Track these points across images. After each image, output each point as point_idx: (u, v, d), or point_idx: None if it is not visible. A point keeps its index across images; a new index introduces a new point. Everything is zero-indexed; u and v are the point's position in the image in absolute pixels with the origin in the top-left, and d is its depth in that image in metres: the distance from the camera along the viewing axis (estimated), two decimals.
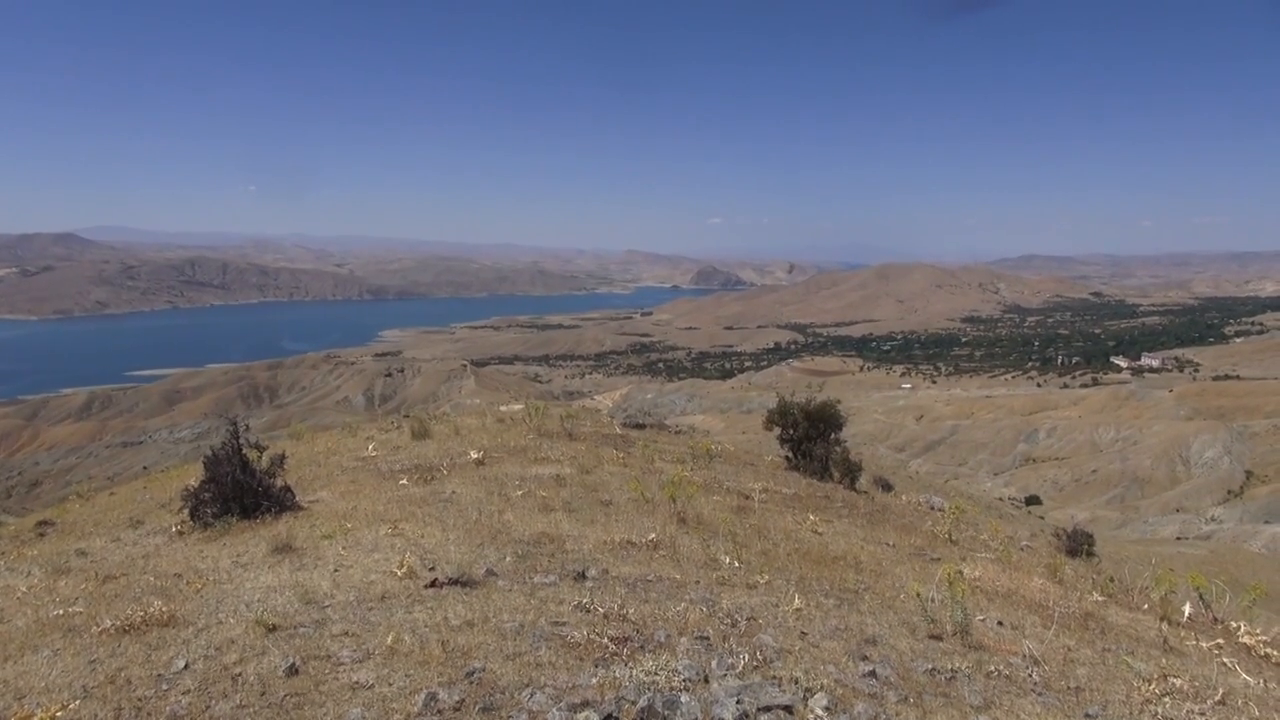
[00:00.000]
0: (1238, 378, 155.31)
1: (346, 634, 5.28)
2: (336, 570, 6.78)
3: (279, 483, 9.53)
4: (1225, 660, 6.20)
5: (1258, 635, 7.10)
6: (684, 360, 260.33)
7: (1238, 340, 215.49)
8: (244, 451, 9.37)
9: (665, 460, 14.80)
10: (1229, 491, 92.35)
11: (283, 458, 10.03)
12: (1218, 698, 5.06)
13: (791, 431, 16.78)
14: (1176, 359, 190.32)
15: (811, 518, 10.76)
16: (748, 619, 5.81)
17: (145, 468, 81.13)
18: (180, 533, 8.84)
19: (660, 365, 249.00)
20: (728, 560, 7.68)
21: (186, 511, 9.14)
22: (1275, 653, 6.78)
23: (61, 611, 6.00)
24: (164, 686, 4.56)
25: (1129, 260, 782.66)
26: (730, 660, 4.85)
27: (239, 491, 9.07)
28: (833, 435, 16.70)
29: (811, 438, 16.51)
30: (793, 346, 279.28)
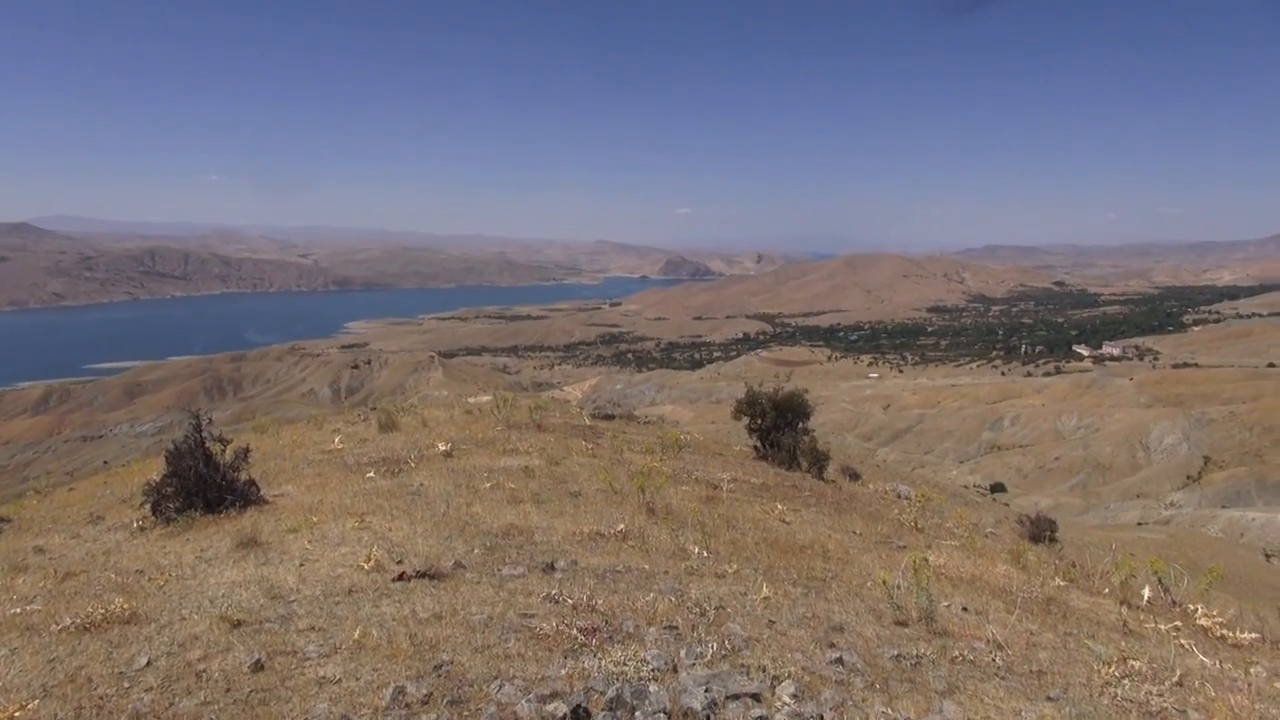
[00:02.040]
0: (1196, 365, 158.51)
1: (313, 628, 5.24)
2: (302, 564, 6.71)
3: (243, 476, 9.41)
4: (1183, 642, 6.32)
5: (1214, 617, 7.26)
6: (653, 351, 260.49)
7: (1196, 329, 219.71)
8: (207, 445, 9.24)
9: (634, 451, 14.81)
10: (1187, 477, 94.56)
11: (247, 451, 9.90)
12: (1175, 679, 5.16)
13: (760, 421, 16.89)
14: (1137, 347, 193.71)
15: (779, 507, 10.82)
16: (716, 608, 5.83)
17: (105, 462, 79.67)
18: (142, 528, 8.70)
19: (629, 356, 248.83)
20: (696, 550, 7.71)
21: (148, 507, 8.99)
22: (1231, 634, 6.93)
23: (19, 610, 5.88)
24: (126, 684, 4.49)
25: (1091, 250, 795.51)
26: (699, 649, 4.87)
27: (202, 486, 8.95)
28: (800, 425, 16.83)
29: (779, 427, 16.62)
30: (761, 337, 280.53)
